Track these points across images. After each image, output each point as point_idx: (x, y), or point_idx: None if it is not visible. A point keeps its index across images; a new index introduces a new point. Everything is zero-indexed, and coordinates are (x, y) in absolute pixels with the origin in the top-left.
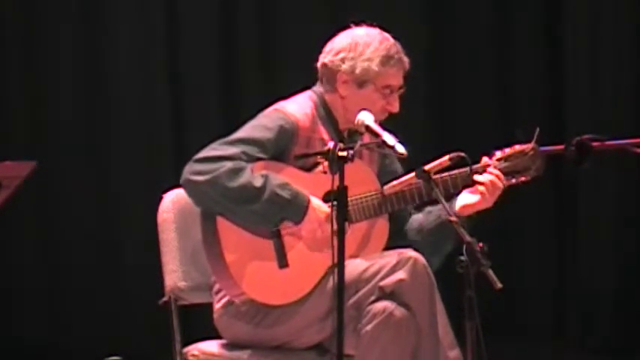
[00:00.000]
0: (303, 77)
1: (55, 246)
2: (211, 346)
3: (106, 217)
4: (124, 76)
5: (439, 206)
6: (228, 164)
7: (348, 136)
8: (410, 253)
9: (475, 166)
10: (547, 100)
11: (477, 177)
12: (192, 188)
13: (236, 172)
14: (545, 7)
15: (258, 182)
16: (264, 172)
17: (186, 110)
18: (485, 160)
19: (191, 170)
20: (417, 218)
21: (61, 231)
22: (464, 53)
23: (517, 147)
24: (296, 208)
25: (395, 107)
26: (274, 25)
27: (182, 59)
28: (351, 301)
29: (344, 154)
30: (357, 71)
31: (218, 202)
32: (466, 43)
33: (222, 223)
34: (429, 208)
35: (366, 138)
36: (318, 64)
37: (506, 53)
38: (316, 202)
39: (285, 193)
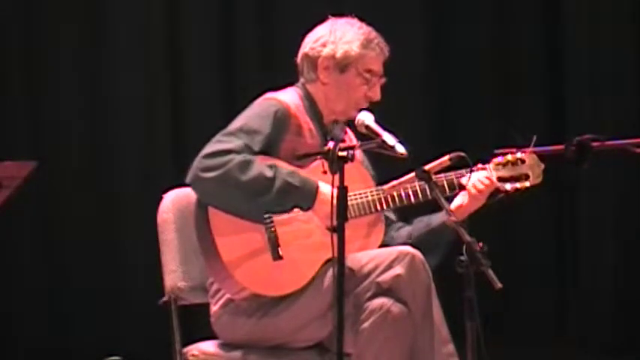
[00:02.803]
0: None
1: (55, 246)
2: (211, 346)
3: (106, 217)
4: (124, 76)
5: (428, 216)
6: (237, 157)
7: (330, 129)
8: (408, 249)
9: (475, 168)
10: (547, 100)
11: (463, 180)
12: (202, 185)
13: (246, 164)
14: (545, 7)
15: (269, 173)
16: (270, 162)
17: (186, 110)
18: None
19: (200, 167)
20: (406, 229)
21: (61, 231)
22: (464, 53)
23: (515, 154)
24: (305, 195)
25: (377, 95)
26: (274, 25)
27: (182, 59)
28: (349, 297)
29: (344, 154)
30: (339, 54)
31: (230, 197)
32: (466, 43)
33: (215, 214)
34: (419, 218)
35: (349, 131)
36: (298, 58)
37: (506, 53)
38: (325, 187)
39: (295, 181)
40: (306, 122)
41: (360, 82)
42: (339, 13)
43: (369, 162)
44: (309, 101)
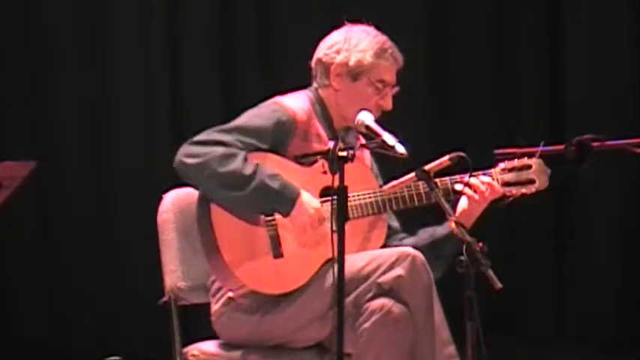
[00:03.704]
0: (302, 77)
1: (55, 246)
2: (211, 346)
3: (106, 217)
4: (123, 75)
5: (433, 227)
6: (221, 149)
7: (342, 136)
8: (409, 250)
9: (476, 173)
10: (547, 100)
11: (457, 186)
12: (183, 170)
13: (227, 157)
14: (545, 7)
15: (247, 170)
16: (256, 161)
17: (186, 110)
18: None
19: (184, 152)
20: (410, 239)
21: (61, 231)
22: (464, 53)
23: (522, 160)
24: (284, 200)
25: (388, 104)
26: (274, 25)
27: (182, 59)
28: (350, 298)
29: (344, 154)
30: (351, 62)
31: (205, 186)
32: (466, 44)
33: (216, 211)
34: (423, 229)
35: (361, 137)
36: (312, 62)
37: (506, 53)
38: (307, 196)
39: (274, 184)
40: (315, 127)
41: (371, 91)
42: (356, 20)
43: (379, 170)
44: (320, 106)
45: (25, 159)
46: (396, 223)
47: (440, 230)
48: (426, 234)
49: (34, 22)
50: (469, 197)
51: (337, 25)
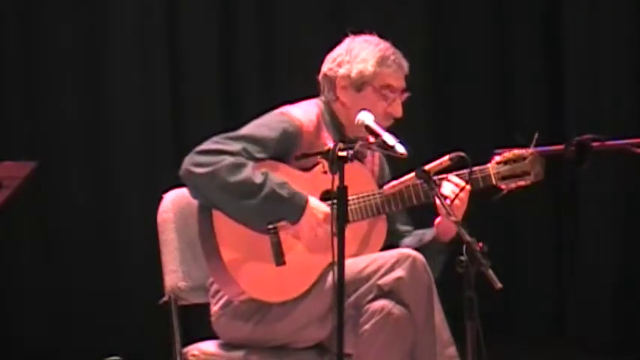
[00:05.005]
0: (303, 78)
1: (55, 246)
2: (211, 346)
3: (106, 217)
4: (123, 76)
5: (423, 230)
6: (230, 159)
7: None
8: (409, 251)
9: (475, 168)
10: (547, 100)
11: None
12: (191, 179)
13: (237, 167)
14: (545, 7)
15: (258, 179)
16: (263, 169)
17: (187, 111)
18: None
19: (192, 161)
20: (405, 241)
21: (61, 231)
22: (464, 53)
23: (516, 151)
24: (293, 207)
25: (398, 111)
26: (274, 25)
27: (182, 60)
28: (350, 299)
29: (344, 154)
30: (353, 74)
31: (216, 196)
32: (466, 44)
33: (219, 217)
34: (415, 231)
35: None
36: (319, 77)
37: (506, 53)
38: (315, 202)
39: (283, 192)
40: (323, 137)
41: (378, 98)
42: (359, 30)
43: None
44: (330, 115)
45: (25, 159)
46: (405, 227)
47: (428, 234)
48: (416, 237)
49: (34, 23)
50: (454, 205)
51: (337, 26)
